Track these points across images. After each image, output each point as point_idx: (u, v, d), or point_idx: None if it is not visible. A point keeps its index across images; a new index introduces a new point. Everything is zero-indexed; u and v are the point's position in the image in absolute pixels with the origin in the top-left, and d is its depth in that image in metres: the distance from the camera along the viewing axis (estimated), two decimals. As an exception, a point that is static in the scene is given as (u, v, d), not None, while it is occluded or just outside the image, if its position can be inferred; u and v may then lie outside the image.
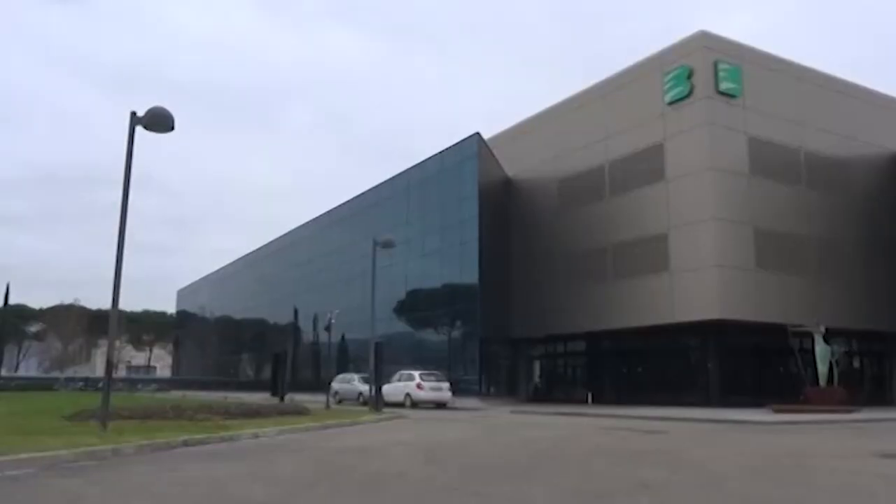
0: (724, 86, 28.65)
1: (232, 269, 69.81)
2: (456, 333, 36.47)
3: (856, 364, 34.15)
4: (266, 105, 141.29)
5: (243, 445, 11.50)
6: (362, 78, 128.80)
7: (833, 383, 25.15)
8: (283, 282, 56.73)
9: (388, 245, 25.70)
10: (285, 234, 58.48)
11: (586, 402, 32.07)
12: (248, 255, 66.74)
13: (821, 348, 25.28)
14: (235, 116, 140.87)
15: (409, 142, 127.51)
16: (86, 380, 70.53)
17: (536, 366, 39.84)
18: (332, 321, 29.44)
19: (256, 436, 12.71)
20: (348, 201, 48.35)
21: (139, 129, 12.45)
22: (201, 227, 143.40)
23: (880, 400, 33.02)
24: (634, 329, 30.85)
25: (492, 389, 36.89)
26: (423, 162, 39.68)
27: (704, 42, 29.12)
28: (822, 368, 25.05)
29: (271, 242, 61.36)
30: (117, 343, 73.67)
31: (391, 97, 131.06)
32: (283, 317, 56.52)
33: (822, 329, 25.45)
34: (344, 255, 46.07)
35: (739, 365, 30.75)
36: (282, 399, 25.80)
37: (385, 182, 43.57)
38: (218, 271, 73.92)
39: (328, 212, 51.30)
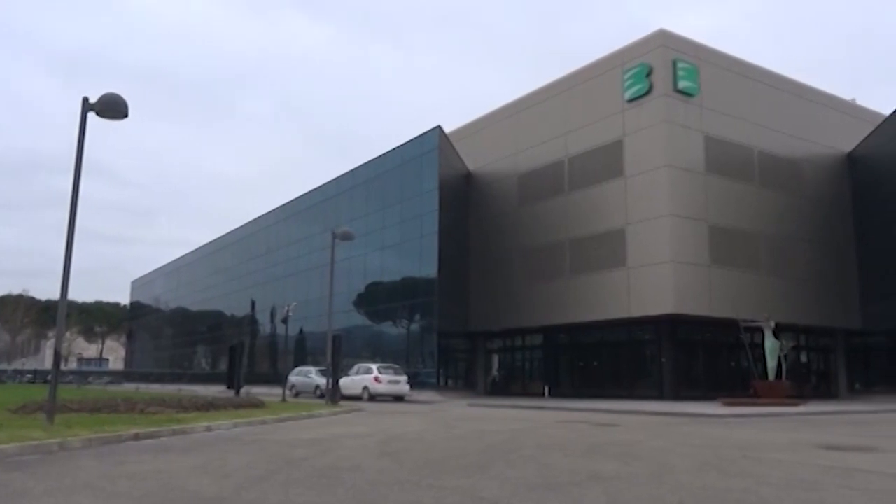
0: (681, 84, 29.10)
1: (188, 260, 68.74)
2: (414, 327, 36.50)
3: (803, 359, 35.13)
4: (224, 94, 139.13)
5: (196, 439, 11.33)
6: (322, 69, 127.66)
7: (781, 377, 25.82)
8: (241, 273, 56.05)
9: (346, 237, 25.56)
10: (243, 226, 57.77)
11: (543, 395, 32.42)
12: (205, 246, 65.77)
13: (770, 343, 25.92)
14: (193, 105, 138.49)
15: (370, 134, 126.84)
16: (34, 372, 68.81)
17: (494, 359, 40.09)
18: (290, 314, 29.20)
19: (210, 429, 12.55)
20: (308, 193, 47.98)
21: (92, 116, 12.12)
22: (158, 218, 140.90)
23: (825, 393, 34.10)
24: (591, 323, 31.26)
25: (450, 383, 37.08)
26: (383, 154, 39.56)
27: (663, 41, 29.53)
28: (771, 363, 25.68)
29: (229, 233, 60.55)
30: (67, 334, 71.93)
31: (352, 89, 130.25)
32: (240, 309, 55.86)
33: (772, 324, 26.09)
34: (303, 247, 45.72)
35: (692, 359, 31.41)
36: (237, 392, 25.55)
37: (345, 174, 43.33)
38: (174, 262, 72.73)
39: (287, 203, 50.84)
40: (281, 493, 6.25)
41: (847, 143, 34.79)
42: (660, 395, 28.26)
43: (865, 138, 34.34)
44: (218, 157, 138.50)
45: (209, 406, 16.54)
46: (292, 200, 50.15)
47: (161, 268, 76.15)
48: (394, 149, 38.69)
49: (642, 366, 31.43)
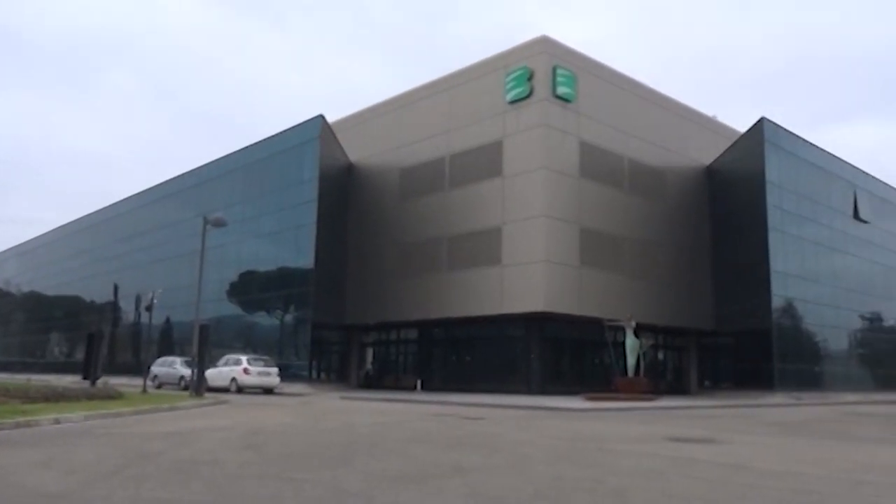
0: (560, 90, 30.10)
1: (45, 241, 64.10)
2: (288, 318, 35.81)
3: (660, 357, 37.30)
4: (89, 67, 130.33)
5: (42, 431, 10.62)
6: (198, 49, 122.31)
7: (640, 374, 27.35)
8: (104, 257, 52.86)
9: (219, 224, 24.71)
10: (108, 207, 54.55)
11: (416, 388, 32.67)
12: (64, 226, 61.57)
13: (631, 341, 27.39)
14: (53, 76, 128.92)
15: (248, 120, 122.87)
16: None
17: (369, 352, 40.00)
18: (155, 301, 27.82)
19: (58, 421, 11.79)
20: (180, 176, 45.96)
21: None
22: (9, 194, 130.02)
23: (679, 389, 36.40)
24: (465, 319, 31.80)
25: (322, 375, 36.64)
26: (262, 141, 38.50)
27: (545, 47, 30.43)
28: (631, 360, 27.15)
29: (92, 214, 56.98)
30: None
31: (231, 73, 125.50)
32: (101, 295, 52.70)
33: (633, 324, 27.59)
34: (173, 232, 43.75)
35: (559, 355, 32.66)
36: (93, 382, 24.05)
37: (221, 159, 41.84)
38: (28, 242, 67.61)
39: (157, 185, 48.48)
40: (131, 488, 5.96)
41: (707, 156, 37.21)
42: (528, 390, 29.15)
43: (723, 153, 36.85)
44: (81, 133, 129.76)
45: (59, 397, 15.52)
46: (163, 183, 47.84)
47: (13, 248, 70.61)
48: (273, 135, 37.69)
49: (512, 361, 32.31)
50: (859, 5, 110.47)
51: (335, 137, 36.42)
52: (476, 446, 9.65)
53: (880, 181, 42.98)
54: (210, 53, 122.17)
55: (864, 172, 41.15)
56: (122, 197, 53.22)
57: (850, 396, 33.13)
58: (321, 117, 34.57)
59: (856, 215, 39.29)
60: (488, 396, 24.80)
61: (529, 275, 29.12)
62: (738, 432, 13.00)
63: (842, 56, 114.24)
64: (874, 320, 41.31)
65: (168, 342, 42.69)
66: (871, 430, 14.79)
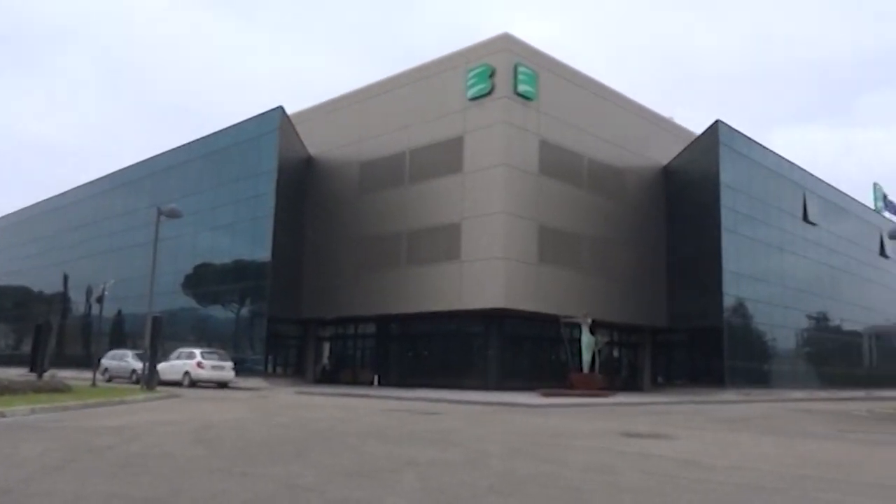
0: (521, 88, 30.23)
1: (-9, 229, 62.12)
2: (244, 311, 35.35)
3: (616, 353, 37.83)
4: (41, 50, 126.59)
5: (-16, 425, 10.29)
6: (154, 35, 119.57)
7: (595, 370, 27.68)
8: (54, 247, 51.45)
9: (173, 215, 24.24)
10: (59, 195, 53.12)
11: (373, 384, 32.56)
12: (11, 214, 59.76)
13: (586, 338, 27.71)
14: (2, 58, 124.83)
15: (205, 110, 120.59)
16: None
17: (326, 347, 39.73)
18: (106, 292, 27.18)
19: (3, 415, 11.45)
20: (134, 165, 45.00)
21: None
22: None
23: (634, 386, 36.98)
24: (423, 314, 31.79)
25: (278, 370, 36.31)
26: (220, 131, 37.90)
27: (507, 45, 30.52)
28: (587, 356, 27.47)
29: (42, 202, 55.41)
30: None
31: (184, 60, 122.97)
32: (51, 285, 51.32)
33: (589, 321, 27.92)
34: (126, 222, 42.83)
35: (517, 351, 32.87)
36: (40, 375, 23.40)
37: (177, 148, 41.06)
38: (-28, 230, 65.40)
39: (111, 174, 47.36)
40: (77, 483, 5.82)
41: (664, 156, 37.79)
42: (485, 386, 29.27)
43: (679, 154, 37.48)
44: (32, 118, 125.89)
45: (4, 390, 15.04)
46: (116, 171, 46.75)
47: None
48: (231, 126, 37.12)
49: (470, 357, 32.42)
50: (816, 13, 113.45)
51: (294, 129, 36.04)
52: (431, 441, 9.65)
53: (828, 184, 44.19)
54: (166, 41, 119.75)
55: (813, 176, 42.26)
56: (74, 185, 51.91)
57: (797, 394, 34.04)
58: (280, 108, 34.16)
59: (805, 217, 40.34)
60: (445, 392, 24.85)
61: (488, 271, 29.22)
62: (689, 428, 13.25)
63: (795, 61, 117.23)
64: (820, 320, 42.50)
65: (120, 335, 41.80)
66: (815, 427, 15.21)
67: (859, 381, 42.91)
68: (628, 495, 5.84)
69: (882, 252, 48.26)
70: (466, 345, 32.94)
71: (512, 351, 32.38)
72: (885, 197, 50.23)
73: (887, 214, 49.88)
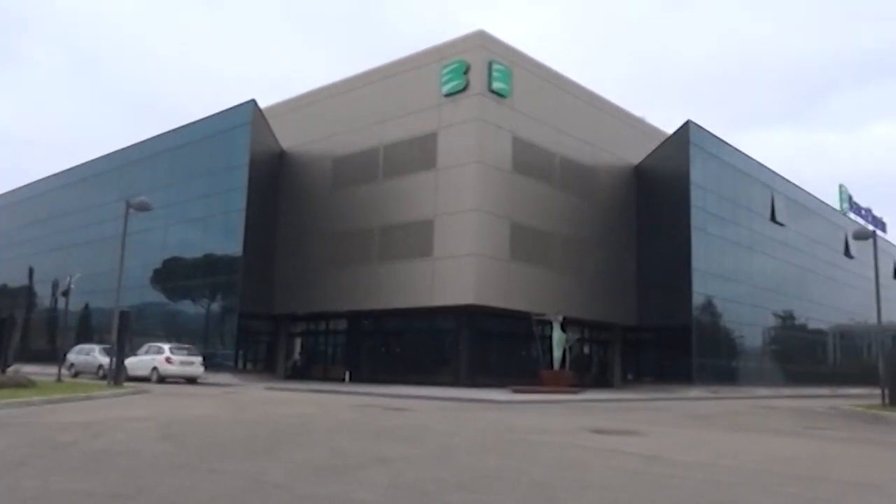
0: (495, 85, 30.28)
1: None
2: (215, 306, 35.00)
3: (586, 350, 38.14)
4: (2, 36, 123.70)
5: (-56, 421, 10.08)
6: (123, 24, 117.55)
7: (565, 367, 27.88)
8: (19, 240, 50.46)
9: (142, 208, 23.90)
10: (24, 187, 52.08)
11: (344, 380, 32.46)
12: (-26, 206, 58.42)
13: (557, 335, 27.90)
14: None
15: (175, 102, 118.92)
16: None
17: (297, 343, 39.51)
18: (72, 286, 26.72)
19: (-37, 410, 11.22)
20: (103, 157, 44.26)
21: None
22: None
23: (603, 382, 37.29)
24: (395, 310, 31.75)
25: (249, 365, 36.03)
26: (191, 123, 37.43)
27: (481, 41, 30.54)
28: (557, 353, 27.66)
29: (6, 194, 54.29)
30: None
31: (152, 49, 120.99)
32: (15, 279, 50.34)
33: (560, 318, 28.11)
34: (94, 215, 42.14)
35: (488, 348, 32.96)
36: (3, 370, 22.96)
37: (147, 140, 40.50)
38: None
39: (78, 166, 46.54)
40: (39, 479, 5.72)
41: (635, 155, 38.13)
42: (456, 382, 29.32)
43: (650, 153, 37.84)
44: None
45: (-34, 385, 14.76)
46: (84, 163, 45.96)
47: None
48: (203, 119, 36.69)
49: (441, 353, 32.46)
50: (786, 16, 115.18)
51: (267, 123, 35.74)
52: (401, 437, 9.66)
53: (795, 185, 44.96)
54: (134, 30, 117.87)
55: (780, 177, 42.96)
56: (40, 176, 50.93)
57: (763, 391, 34.62)
58: (253, 102, 33.85)
59: (773, 218, 41.00)
60: (416, 388, 24.84)
61: (460, 268, 29.26)
62: (657, 425, 13.41)
63: (764, 64, 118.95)
64: (787, 319, 43.26)
65: (87, 329, 41.15)
66: (780, 424, 15.49)
67: (824, 378, 43.77)
68: (595, 491, 5.90)
69: (847, 252, 49.23)
70: (438, 341, 32.97)
71: (483, 347, 32.48)
72: (850, 198, 51.26)
73: (852, 215, 50.89)
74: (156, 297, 37.69)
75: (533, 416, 14.82)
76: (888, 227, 55.06)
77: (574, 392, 25.04)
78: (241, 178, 32.96)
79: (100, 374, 28.62)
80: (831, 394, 36.87)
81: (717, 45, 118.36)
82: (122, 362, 22.78)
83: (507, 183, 30.84)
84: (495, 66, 30.40)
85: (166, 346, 27.89)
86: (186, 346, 29.06)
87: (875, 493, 6.40)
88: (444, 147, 30.68)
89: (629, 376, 38.60)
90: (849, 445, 11.37)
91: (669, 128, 38.13)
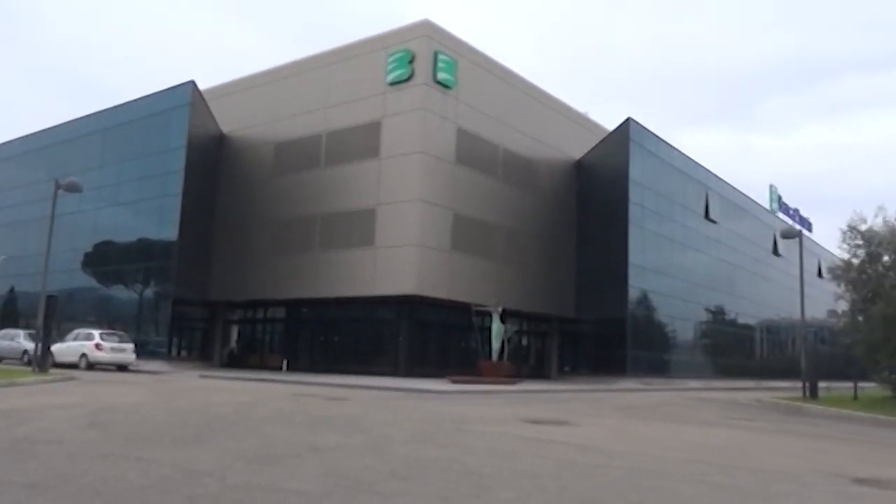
0: (440, 76, 30.26)
1: None
2: (148, 292, 34.10)
3: (524, 342, 38.61)
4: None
5: None
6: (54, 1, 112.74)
7: (504, 358, 28.17)
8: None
9: (73, 189, 23.07)
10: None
11: (282, 368, 32.11)
12: None
13: (497, 326, 28.15)
14: None
15: (108, 81, 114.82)
16: None
17: (234, 330, 38.86)
18: (-4, 269, 25.71)
19: None
20: (32, 134, 42.53)
21: None
22: None
23: (541, 374, 37.87)
24: (336, 299, 31.54)
25: (183, 353, 35.31)
26: (126, 103, 36.26)
27: (427, 31, 30.46)
28: (496, 344, 27.90)
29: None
30: None
31: (82, 26, 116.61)
32: (-67, 260, 47.95)
33: (500, 309, 28.35)
34: (20, 196, 40.53)
35: (428, 338, 33.07)
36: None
37: (79, 119, 39.08)
38: None
39: (4, 143, 44.61)
40: (-46, 469, 5.50)
41: (577, 150, 38.69)
42: (395, 372, 29.34)
43: (592, 149, 38.45)
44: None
45: None
46: (11, 141, 44.09)
47: None
48: (139, 98, 35.57)
49: (381, 343, 32.40)
50: (724, 21, 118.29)
51: (206, 106, 34.91)
52: (337, 427, 9.62)
53: (728, 184, 46.36)
54: (69, 6, 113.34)
55: (715, 175, 44.23)
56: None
57: (693, 383, 35.69)
58: (192, 83, 32.99)
59: (706, 215, 42.20)
60: (355, 378, 24.76)
61: (402, 258, 29.24)
62: (589, 415, 13.70)
63: (703, 66, 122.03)
64: (717, 313, 44.64)
65: (12, 314, 39.54)
66: (707, 415, 16.01)
67: (751, 371, 45.39)
68: (526, 480, 6.00)
69: (775, 251, 51.06)
70: (378, 331, 32.90)
71: (423, 338, 32.56)
72: (779, 198, 53.17)
73: (781, 215, 52.80)
74: (87, 281, 36.51)
75: (470, 406, 14.94)
76: (814, 228, 57.46)
77: (512, 383, 25.33)
78: (178, 161, 32.13)
79: (24, 360, 27.62)
80: (757, 386, 38.26)
81: (657, 45, 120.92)
82: (49, 348, 21.99)
83: (451, 174, 30.90)
84: (441, 57, 30.37)
85: (96, 332, 27.06)
86: (118, 332, 28.26)
87: (792, 482, 6.69)
88: (387, 136, 30.53)
89: (566, 368, 39.26)
90: (769, 436, 11.85)
91: (611, 124, 38.81)
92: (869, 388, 24.68)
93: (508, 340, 29.35)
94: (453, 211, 30.86)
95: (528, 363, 37.55)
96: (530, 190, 35.75)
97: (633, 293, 34.72)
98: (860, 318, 23.12)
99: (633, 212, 34.84)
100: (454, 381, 24.34)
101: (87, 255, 36.58)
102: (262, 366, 33.78)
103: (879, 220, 22.89)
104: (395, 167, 30.14)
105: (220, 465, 6.09)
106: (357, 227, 30.83)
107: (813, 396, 22.93)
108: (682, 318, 39.67)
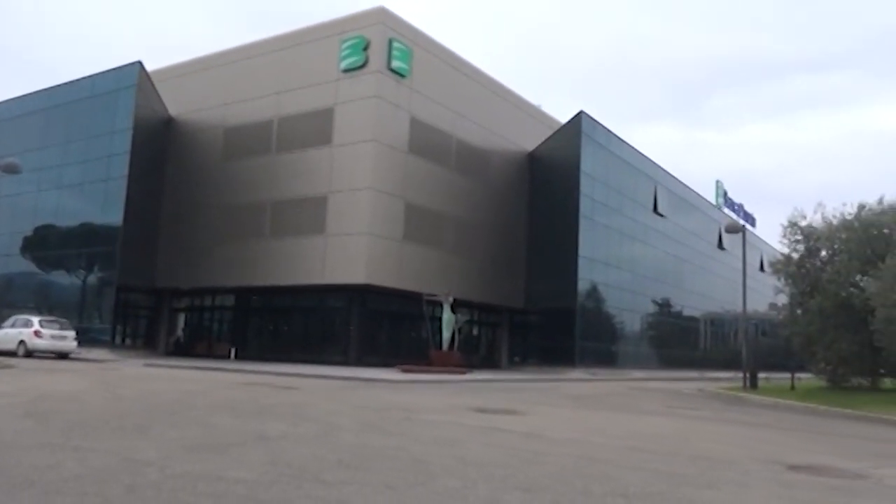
0: (395, 64, 30.08)
1: None
2: (91, 278, 33.19)
3: (475, 332, 38.83)
4: None
5: None
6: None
7: (454, 348, 28.30)
8: None
9: (11, 170, 22.27)
10: None
11: (229, 357, 31.66)
12: None
13: (447, 316, 28.26)
14: None
15: (50, 59, 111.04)
16: None
17: (180, 318, 38.13)
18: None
19: None
20: (-33, 113, 40.81)
21: None
22: None
23: (491, 364, 38.16)
24: (285, 287, 31.20)
25: (128, 341, 34.60)
26: (69, 83, 35.10)
27: (382, 18, 30.22)
28: (447, 334, 28.03)
29: None
30: None
31: (37, 7, 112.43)
32: None
33: (450, 299, 28.47)
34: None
35: (378, 327, 32.99)
36: None
37: (18, 98, 37.67)
38: None
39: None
40: None
41: (530, 142, 38.96)
42: (346, 361, 29.21)
43: (544, 141, 38.77)
44: None
45: None
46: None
47: None
48: (84, 78, 34.43)
49: (331, 332, 32.20)
50: (674, 18, 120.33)
51: (154, 88, 34.04)
52: (284, 416, 9.53)
53: (677, 179, 47.31)
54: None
55: (664, 170, 45.07)
56: None
57: (639, 373, 36.44)
58: (139, 64, 32.12)
59: (655, 209, 43.01)
60: (305, 367, 24.56)
61: (353, 246, 29.06)
62: (537, 404, 13.87)
63: (653, 62, 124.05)
64: (663, 306, 45.63)
65: (-55, 299, 38.09)
66: (651, 404, 16.37)
67: (694, 362, 46.57)
68: (472, 468, 6.04)
69: (720, 245, 52.35)
70: (328, 320, 32.68)
71: (374, 327, 32.47)
72: (725, 194, 54.51)
73: (727, 210, 54.15)
74: (26, 266, 35.38)
75: (419, 395, 14.98)
76: (758, 223, 59.06)
77: (462, 373, 25.47)
78: (124, 143, 31.27)
79: (-41, 347, 26.59)
80: (700, 377, 39.25)
81: (611, 41, 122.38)
82: (-15, 335, 21.25)
83: (403, 163, 30.80)
84: (395, 45, 30.18)
85: (35, 319, 26.21)
86: (59, 319, 27.41)
87: (731, 469, 6.89)
88: (340, 123, 30.25)
89: (516, 358, 39.64)
90: (710, 424, 12.17)
91: (564, 117, 39.16)
92: (806, 378, 25.56)
93: (459, 330, 29.50)
94: (405, 200, 30.78)
95: (478, 353, 37.79)
96: (482, 181, 35.87)
97: (583, 285, 35.20)
98: (798, 312, 23.93)
99: (584, 204, 35.27)
100: (405, 371, 24.37)
101: (26, 239, 35.43)
102: (210, 354, 33.24)
103: (818, 217, 23.72)
104: (347, 155, 29.89)
105: (162, 454, 5.97)
106: (308, 215, 30.52)
107: (753, 387, 23.65)
108: (629, 309, 40.40)
